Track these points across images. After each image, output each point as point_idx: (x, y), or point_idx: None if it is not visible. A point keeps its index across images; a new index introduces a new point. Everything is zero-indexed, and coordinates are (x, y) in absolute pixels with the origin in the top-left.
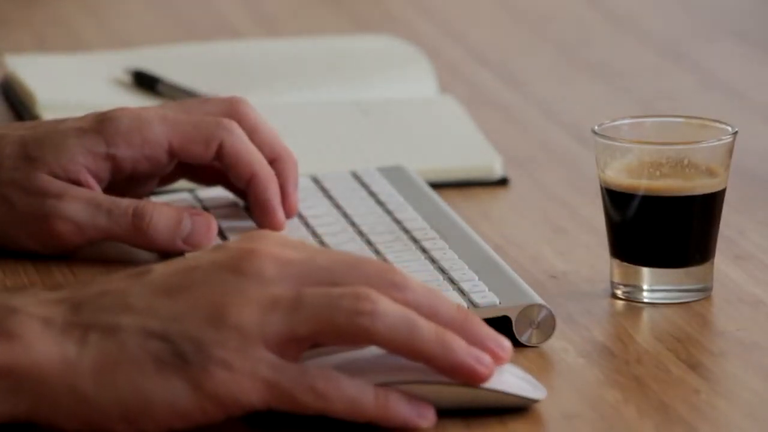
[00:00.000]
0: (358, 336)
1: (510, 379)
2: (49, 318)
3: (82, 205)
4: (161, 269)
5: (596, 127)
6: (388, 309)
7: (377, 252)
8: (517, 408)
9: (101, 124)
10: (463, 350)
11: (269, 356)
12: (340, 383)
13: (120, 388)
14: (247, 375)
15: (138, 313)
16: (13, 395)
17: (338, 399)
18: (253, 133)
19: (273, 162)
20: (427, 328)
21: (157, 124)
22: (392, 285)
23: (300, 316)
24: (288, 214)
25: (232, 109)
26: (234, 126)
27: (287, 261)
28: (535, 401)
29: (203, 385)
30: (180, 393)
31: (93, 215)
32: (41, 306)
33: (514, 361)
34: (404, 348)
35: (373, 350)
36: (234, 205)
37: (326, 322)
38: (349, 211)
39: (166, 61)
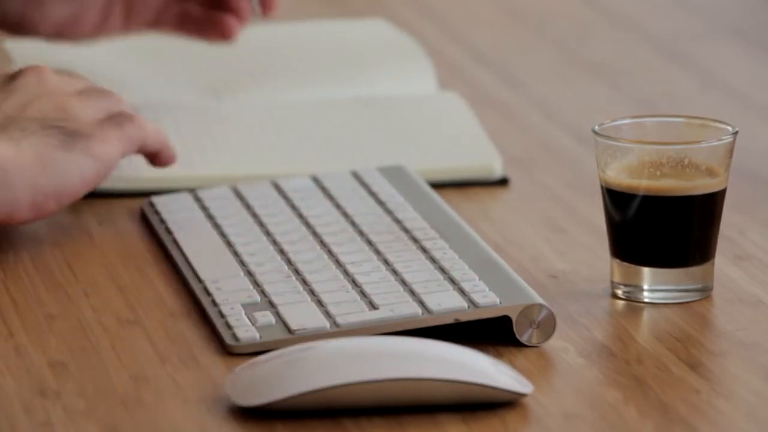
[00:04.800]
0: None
1: (497, 375)
2: None
3: None
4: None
5: (596, 127)
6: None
7: (377, 252)
8: (516, 406)
9: None
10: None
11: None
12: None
13: (51, 170)
14: (106, 139)
15: (24, 118)
16: None
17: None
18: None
19: None
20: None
21: None
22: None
23: (108, 99)
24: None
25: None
26: None
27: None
28: (523, 395)
29: (93, 154)
30: (83, 164)
31: None
32: None
33: (514, 361)
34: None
35: (373, 347)
36: (235, 204)
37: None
38: (349, 210)
39: (164, 56)
